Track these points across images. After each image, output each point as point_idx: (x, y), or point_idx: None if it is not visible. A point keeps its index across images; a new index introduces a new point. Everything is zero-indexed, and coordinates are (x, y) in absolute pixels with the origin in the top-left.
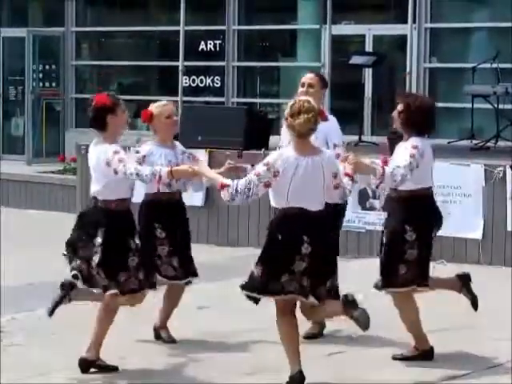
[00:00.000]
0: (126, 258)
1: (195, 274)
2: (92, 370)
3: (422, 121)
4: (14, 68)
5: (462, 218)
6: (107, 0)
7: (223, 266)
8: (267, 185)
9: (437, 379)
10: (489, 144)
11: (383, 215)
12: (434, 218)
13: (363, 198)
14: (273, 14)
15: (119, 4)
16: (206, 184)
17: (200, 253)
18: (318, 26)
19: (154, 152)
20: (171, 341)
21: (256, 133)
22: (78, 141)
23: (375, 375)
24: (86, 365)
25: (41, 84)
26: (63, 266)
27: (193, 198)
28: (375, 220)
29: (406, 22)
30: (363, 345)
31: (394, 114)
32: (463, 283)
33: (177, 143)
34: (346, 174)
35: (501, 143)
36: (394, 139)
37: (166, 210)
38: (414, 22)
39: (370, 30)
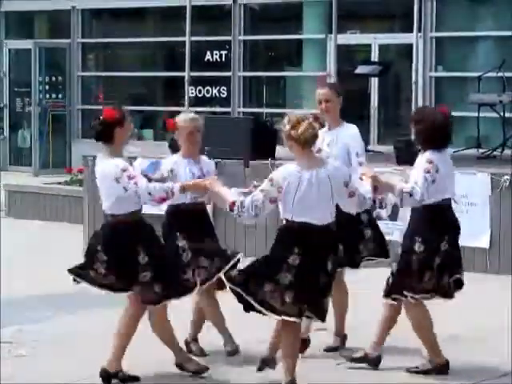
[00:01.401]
0: (136, 273)
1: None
2: (114, 381)
3: (435, 135)
4: (20, 80)
5: (468, 226)
6: (113, 11)
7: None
8: (273, 201)
9: None
10: (495, 153)
11: (390, 224)
12: (447, 229)
13: (370, 207)
14: (278, 23)
15: (125, 15)
16: (209, 200)
17: None
18: (323, 36)
19: (179, 163)
20: (201, 354)
21: (262, 143)
22: (85, 152)
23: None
24: (107, 376)
25: (47, 95)
26: (69, 276)
27: None
28: (383, 229)
29: (411, 31)
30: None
31: (411, 124)
32: None
33: (204, 159)
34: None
35: (507, 152)
36: (400, 148)
37: (189, 220)
38: (420, 31)
39: (376, 39)
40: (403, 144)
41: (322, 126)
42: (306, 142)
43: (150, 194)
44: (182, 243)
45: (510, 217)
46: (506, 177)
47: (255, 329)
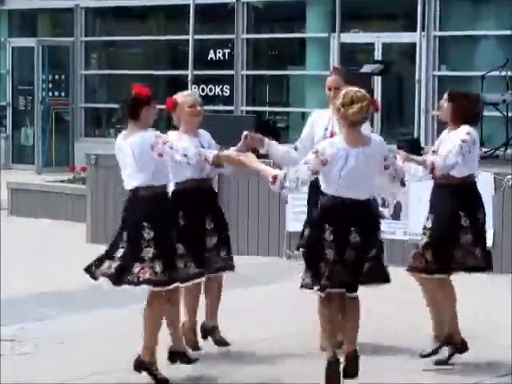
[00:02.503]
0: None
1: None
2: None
3: (471, 109)
4: (23, 78)
5: None
6: (116, 10)
7: (229, 274)
8: (315, 172)
9: None
10: (498, 152)
11: (393, 223)
12: (482, 207)
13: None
14: (281, 22)
15: (128, 14)
16: (229, 171)
17: None
18: (326, 35)
19: (183, 140)
20: (222, 343)
21: None
22: (88, 150)
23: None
24: (140, 365)
25: (50, 94)
26: (72, 275)
27: None
28: (385, 228)
29: (414, 30)
30: (374, 352)
31: (443, 102)
32: None
33: (201, 132)
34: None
35: (510, 151)
36: (404, 147)
37: (195, 199)
38: (423, 30)
39: (379, 38)
40: (406, 143)
41: (376, 110)
42: (352, 124)
43: (185, 155)
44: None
45: None
46: (508, 176)
47: (254, 328)
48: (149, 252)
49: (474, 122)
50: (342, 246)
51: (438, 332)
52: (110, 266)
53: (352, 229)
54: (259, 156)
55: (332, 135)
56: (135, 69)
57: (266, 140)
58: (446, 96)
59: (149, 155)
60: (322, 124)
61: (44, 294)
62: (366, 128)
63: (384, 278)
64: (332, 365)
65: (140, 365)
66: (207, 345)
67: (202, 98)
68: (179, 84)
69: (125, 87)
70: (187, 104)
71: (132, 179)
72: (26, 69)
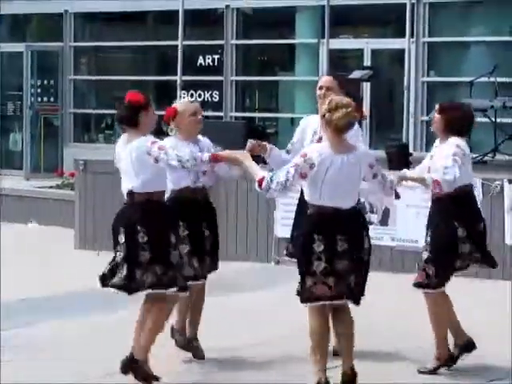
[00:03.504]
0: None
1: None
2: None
3: (462, 122)
4: (12, 83)
5: None
6: (105, 15)
7: (218, 280)
8: (303, 176)
9: None
10: (486, 158)
11: (380, 229)
12: (479, 214)
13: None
14: (271, 28)
15: (117, 19)
16: (237, 174)
17: None
18: (316, 41)
19: (179, 146)
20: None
21: None
22: (76, 156)
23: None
24: (131, 362)
25: (39, 99)
26: (60, 280)
27: None
28: (373, 234)
29: (403, 36)
30: (369, 357)
31: (433, 115)
32: None
33: (202, 138)
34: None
35: (499, 157)
36: (392, 152)
37: (191, 207)
38: (412, 36)
39: (368, 44)
40: (395, 148)
41: (362, 117)
42: (337, 129)
43: (180, 161)
44: (183, 233)
45: (501, 222)
46: (496, 182)
47: (242, 333)
48: (144, 255)
49: (465, 134)
50: (330, 256)
51: (459, 340)
52: (118, 275)
53: (338, 238)
54: (259, 162)
55: (320, 140)
56: (124, 74)
57: (269, 145)
58: (436, 107)
59: (145, 160)
60: (311, 128)
61: (32, 299)
62: (354, 133)
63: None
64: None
65: (131, 363)
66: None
67: None
68: (168, 89)
69: (114, 92)
70: (189, 112)
71: (129, 183)
72: (14, 74)
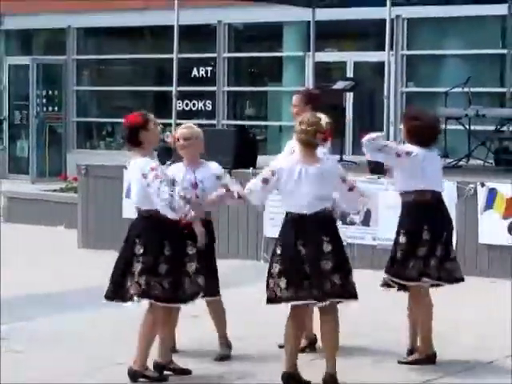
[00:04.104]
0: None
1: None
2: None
3: (423, 131)
4: (19, 94)
5: None
6: (106, 30)
7: None
8: (265, 181)
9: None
10: (461, 163)
11: (362, 229)
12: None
13: (344, 213)
14: (260, 42)
15: (117, 34)
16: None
17: None
18: (302, 54)
19: (178, 171)
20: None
21: (244, 153)
22: (79, 161)
23: (355, 376)
24: (133, 374)
25: (44, 108)
26: (65, 277)
27: None
28: (355, 234)
29: (383, 49)
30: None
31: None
32: None
33: (206, 164)
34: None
35: (472, 162)
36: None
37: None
38: (392, 49)
39: (351, 57)
40: None
41: (325, 140)
42: (302, 143)
43: (170, 203)
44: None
45: (474, 223)
46: (470, 185)
47: (231, 327)
48: (137, 267)
49: (426, 143)
50: (288, 259)
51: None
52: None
53: (298, 242)
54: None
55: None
56: (124, 85)
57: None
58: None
59: (140, 181)
60: (291, 146)
61: (36, 295)
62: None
63: (350, 294)
64: (284, 378)
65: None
66: (183, 344)
67: (186, 113)
68: (165, 99)
69: (114, 102)
70: (180, 137)
71: (134, 197)
72: (21, 85)
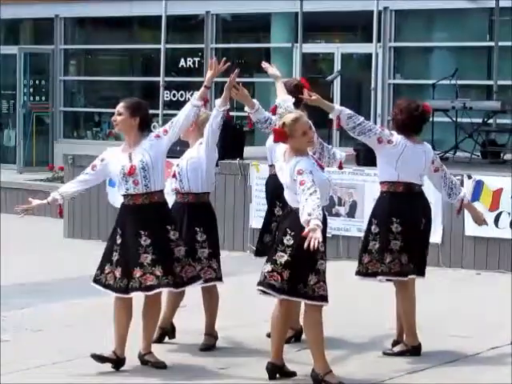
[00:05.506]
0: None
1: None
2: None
3: (404, 121)
4: (6, 83)
5: None
6: (94, 20)
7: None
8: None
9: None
10: (448, 155)
11: (347, 221)
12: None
13: (329, 205)
14: (248, 33)
15: (105, 24)
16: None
17: None
18: (289, 45)
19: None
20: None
21: (231, 144)
22: (66, 151)
23: (340, 368)
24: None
25: (31, 98)
26: (52, 265)
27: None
28: (340, 225)
29: (371, 41)
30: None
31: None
32: None
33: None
34: None
35: (459, 154)
36: (360, 150)
37: (195, 213)
38: (379, 41)
39: (339, 49)
40: (363, 146)
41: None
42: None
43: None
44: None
45: (461, 215)
46: (457, 177)
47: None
48: (147, 258)
49: (410, 133)
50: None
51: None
52: (113, 276)
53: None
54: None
55: None
56: (111, 75)
57: (257, 105)
58: None
59: (159, 145)
60: None
61: (24, 284)
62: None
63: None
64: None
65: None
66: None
67: (173, 104)
68: (152, 89)
69: (102, 92)
70: None
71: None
72: (8, 75)
